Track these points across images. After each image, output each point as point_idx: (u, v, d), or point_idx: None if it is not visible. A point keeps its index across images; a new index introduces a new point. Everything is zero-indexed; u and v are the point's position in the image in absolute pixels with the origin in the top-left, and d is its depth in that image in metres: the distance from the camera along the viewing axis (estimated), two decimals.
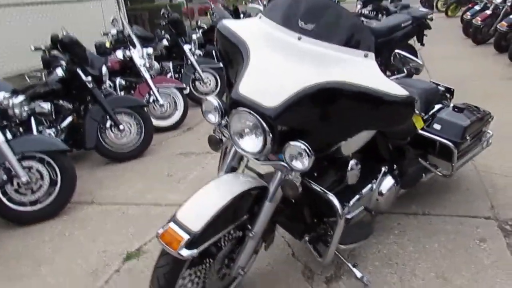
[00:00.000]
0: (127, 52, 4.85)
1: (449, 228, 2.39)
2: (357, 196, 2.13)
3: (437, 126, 2.33)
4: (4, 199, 2.99)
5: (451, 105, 2.49)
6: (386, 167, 2.23)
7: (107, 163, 4.04)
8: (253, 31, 1.71)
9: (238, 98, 1.56)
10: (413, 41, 5.45)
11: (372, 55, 1.51)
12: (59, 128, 3.96)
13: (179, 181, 3.43)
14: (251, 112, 1.51)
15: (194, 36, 5.79)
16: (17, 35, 7.26)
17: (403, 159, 2.33)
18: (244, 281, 2.09)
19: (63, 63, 4.03)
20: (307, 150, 1.48)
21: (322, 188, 1.78)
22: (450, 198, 2.68)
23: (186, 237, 1.51)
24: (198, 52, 6.13)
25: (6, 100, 3.02)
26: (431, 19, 5.40)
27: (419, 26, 4.96)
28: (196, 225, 1.54)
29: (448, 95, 2.71)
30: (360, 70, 1.50)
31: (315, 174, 1.97)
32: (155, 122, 4.70)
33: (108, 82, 4.84)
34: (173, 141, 4.53)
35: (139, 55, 4.77)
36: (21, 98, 3.14)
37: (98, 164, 4.07)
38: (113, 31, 4.97)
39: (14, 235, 2.90)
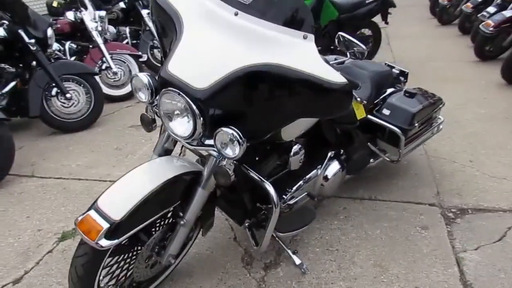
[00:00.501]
0: (78, 14, 4.53)
1: (393, 214, 2.38)
2: (301, 182, 2.08)
3: (386, 111, 2.28)
4: None
5: (404, 89, 2.44)
6: (332, 152, 2.17)
7: (53, 132, 3.82)
8: (190, 3, 1.56)
9: (166, 77, 1.43)
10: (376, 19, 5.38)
11: (311, 37, 1.40)
12: (1, 94, 3.68)
13: (127, 156, 3.29)
14: (180, 93, 1.39)
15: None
16: None
17: (351, 144, 2.28)
18: (181, 266, 2.03)
19: (6, 22, 3.70)
20: (238, 137, 1.38)
21: (259, 176, 1.70)
22: (398, 183, 2.68)
23: (105, 226, 1.40)
24: None
25: None
26: None
27: (384, 4, 4.86)
28: (118, 213, 1.42)
29: (402, 78, 2.65)
30: (298, 52, 1.39)
31: (257, 159, 1.90)
32: (107, 91, 4.48)
33: (57, 46, 4.54)
34: (126, 112, 4.33)
35: (91, 17, 4.47)
36: None
37: (42, 134, 3.84)
38: None
39: None
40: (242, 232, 2.27)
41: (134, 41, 5.51)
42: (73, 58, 4.62)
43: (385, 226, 2.29)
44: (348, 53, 1.71)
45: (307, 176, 2.10)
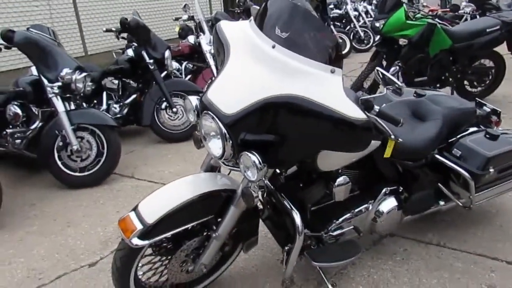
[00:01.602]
0: (197, 38, 5.08)
1: (459, 266, 2.14)
2: (349, 215, 2.03)
3: (456, 152, 2.08)
4: (59, 163, 3.40)
5: (486, 129, 2.20)
6: (388, 188, 2.07)
7: (159, 141, 4.33)
8: (239, 34, 1.70)
9: (205, 101, 1.59)
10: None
11: (339, 71, 1.42)
12: (123, 104, 4.34)
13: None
14: (214, 117, 1.53)
15: None
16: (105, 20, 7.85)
17: (413, 182, 2.14)
18: (224, 277, 2.14)
19: (135, 44, 4.37)
20: (257, 162, 1.46)
21: (288, 202, 1.74)
22: (476, 233, 2.39)
23: (139, 227, 1.60)
24: None
25: (69, 75, 3.38)
26: None
27: (510, 32, 4.36)
28: (152, 217, 1.62)
29: (495, 118, 2.39)
30: (324, 86, 1.42)
31: (301, 185, 1.94)
32: None
33: (176, 65, 5.14)
34: None
35: (207, 41, 4.96)
36: (83, 74, 3.50)
37: (150, 142, 4.39)
38: (184, 17, 5.23)
39: (61, 196, 3.31)
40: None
41: None
42: (188, 77, 5.19)
43: (445, 277, 2.07)
44: (385, 89, 1.65)
45: (357, 210, 2.05)
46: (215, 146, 1.61)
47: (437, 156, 2.09)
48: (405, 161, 2.05)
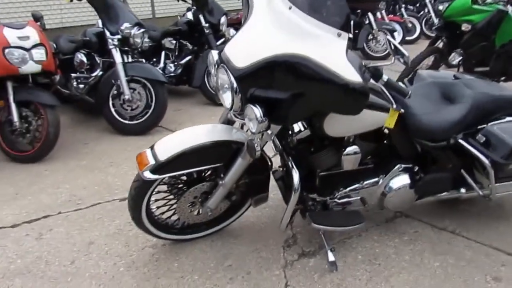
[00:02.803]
0: None
1: (468, 254, 2.10)
2: (358, 185, 2.07)
3: (481, 138, 2.00)
4: (112, 110, 3.72)
5: None
6: (402, 165, 2.07)
7: (206, 103, 4.53)
8: None
9: (222, 55, 1.71)
10: None
11: (345, 35, 1.46)
12: (178, 64, 4.57)
13: None
14: (227, 69, 1.64)
15: None
16: None
17: (431, 164, 2.11)
18: (233, 227, 2.29)
19: (194, 8, 4.56)
20: (258, 115, 1.55)
21: (291, 162, 1.82)
22: (498, 227, 2.30)
23: (152, 162, 1.78)
24: None
25: (128, 30, 3.65)
26: None
27: None
28: (164, 155, 1.79)
29: None
30: (328, 48, 1.48)
31: (312, 150, 2.00)
32: None
33: (233, 32, 5.27)
34: None
35: None
36: (141, 30, 3.75)
37: (198, 103, 4.60)
38: None
39: (110, 139, 3.65)
40: (301, 219, 2.37)
41: None
42: None
43: (450, 262, 2.05)
44: (393, 58, 1.63)
45: (367, 182, 2.07)
46: (227, 98, 1.72)
47: (460, 140, 2.03)
48: (423, 140, 2.02)
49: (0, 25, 3.16)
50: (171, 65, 4.61)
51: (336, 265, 2.00)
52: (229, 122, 2.05)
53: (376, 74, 1.58)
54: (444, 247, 2.16)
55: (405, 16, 7.55)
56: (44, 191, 2.77)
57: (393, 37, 6.63)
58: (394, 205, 2.13)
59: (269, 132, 1.71)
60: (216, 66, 1.84)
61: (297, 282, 1.93)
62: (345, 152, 1.92)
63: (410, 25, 7.59)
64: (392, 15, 7.58)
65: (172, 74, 4.52)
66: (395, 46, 1.61)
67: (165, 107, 3.75)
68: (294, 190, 1.79)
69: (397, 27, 7.31)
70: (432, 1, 7.34)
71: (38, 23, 3.40)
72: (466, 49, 4.05)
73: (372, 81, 1.59)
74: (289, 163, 1.83)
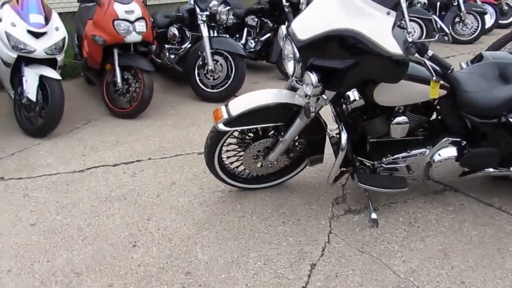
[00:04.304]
0: None
1: (508, 228, 2.21)
2: (405, 153, 2.27)
3: None
4: (197, 78, 4.20)
5: None
6: (450, 138, 2.23)
7: (282, 78, 4.85)
8: None
9: (289, 29, 2.01)
10: None
11: (393, 13, 1.68)
12: (258, 40, 4.93)
13: None
14: (291, 41, 1.94)
15: None
16: None
17: (480, 140, 2.23)
18: (291, 183, 2.62)
19: None
20: (313, 80, 1.84)
21: (341, 124, 2.08)
22: None
23: (225, 116, 2.17)
24: (421, 0, 6.09)
25: (215, 7, 4.06)
26: None
27: None
28: (235, 111, 2.16)
29: None
30: (377, 24, 1.71)
31: (364, 117, 2.24)
32: None
33: None
34: None
35: None
36: (227, 8, 4.14)
37: (274, 78, 4.94)
38: None
39: (193, 104, 4.15)
40: (353, 183, 2.62)
41: None
42: None
43: (488, 232, 2.19)
44: (437, 35, 1.79)
45: (414, 151, 2.26)
46: (291, 66, 2.03)
47: (511, 118, 2.13)
48: (472, 116, 2.15)
49: (112, 0, 3.73)
50: (252, 41, 4.97)
51: (378, 222, 2.24)
52: (293, 89, 2.35)
53: (422, 49, 1.78)
54: (486, 220, 2.29)
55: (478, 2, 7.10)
56: (138, 141, 3.32)
57: (482, 20, 6.34)
58: (439, 176, 2.29)
59: (324, 97, 1.99)
60: (284, 39, 2.16)
61: (339, 231, 2.22)
62: (394, 122, 2.13)
63: (506, 7, 7.13)
64: None
65: (252, 50, 4.89)
66: (440, 24, 1.79)
67: (243, 78, 4.14)
68: (341, 149, 2.06)
69: (490, 9, 6.92)
70: None
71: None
72: None
73: (417, 55, 1.79)
74: (340, 126, 2.10)
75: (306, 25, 1.92)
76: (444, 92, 2.06)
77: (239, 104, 2.19)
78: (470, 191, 2.52)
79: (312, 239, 2.16)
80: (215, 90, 4.18)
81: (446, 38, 1.78)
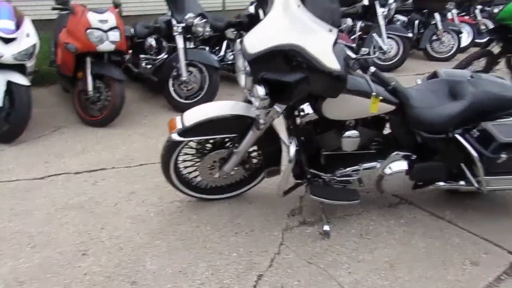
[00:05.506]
0: None
1: (456, 241, 2.26)
2: (357, 167, 2.31)
3: (474, 133, 2.15)
4: (171, 89, 4.24)
5: None
6: (400, 152, 2.28)
7: None
8: None
9: (241, 43, 2.06)
10: None
11: (335, 31, 1.74)
12: None
13: None
14: (243, 54, 1.99)
15: (391, 1, 5.78)
16: None
17: (429, 155, 2.28)
18: (250, 194, 2.64)
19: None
20: (260, 94, 1.89)
21: (287, 137, 2.14)
22: (496, 222, 2.41)
23: (179, 126, 2.20)
24: (401, 18, 6.27)
25: (191, 19, 4.13)
26: None
27: None
28: (190, 121, 2.20)
29: None
30: (319, 40, 1.77)
31: (318, 131, 2.29)
32: None
33: None
34: None
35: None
36: (203, 20, 4.21)
37: None
38: None
39: (166, 114, 4.15)
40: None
41: (365, 36, 6.01)
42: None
43: (435, 244, 2.23)
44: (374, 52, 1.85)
45: (366, 165, 2.31)
46: (243, 79, 2.07)
47: (456, 134, 2.19)
48: (421, 131, 2.21)
49: (86, 9, 3.77)
50: (231, 53, 5.04)
51: (329, 234, 2.28)
52: (249, 101, 2.39)
53: (365, 65, 1.84)
54: (436, 233, 2.33)
55: (479, 17, 7.28)
56: (105, 149, 3.34)
57: (459, 39, 6.48)
58: (391, 189, 2.34)
59: (277, 109, 2.03)
60: (238, 52, 2.21)
61: (291, 243, 2.24)
62: (344, 135, 2.18)
63: (483, 27, 7.30)
64: (467, 16, 7.35)
65: (230, 62, 4.94)
66: (377, 42, 1.85)
67: (216, 90, 4.19)
68: (289, 161, 2.10)
69: (467, 28, 7.08)
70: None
71: (117, 10, 3.99)
72: None
73: (359, 71, 1.85)
74: (289, 139, 2.14)
75: (256, 39, 1.97)
76: (391, 107, 2.12)
77: (194, 115, 2.23)
78: (424, 204, 2.57)
79: (262, 250, 2.18)
80: (188, 101, 4.21)
81: (382, 57, 1.83)
